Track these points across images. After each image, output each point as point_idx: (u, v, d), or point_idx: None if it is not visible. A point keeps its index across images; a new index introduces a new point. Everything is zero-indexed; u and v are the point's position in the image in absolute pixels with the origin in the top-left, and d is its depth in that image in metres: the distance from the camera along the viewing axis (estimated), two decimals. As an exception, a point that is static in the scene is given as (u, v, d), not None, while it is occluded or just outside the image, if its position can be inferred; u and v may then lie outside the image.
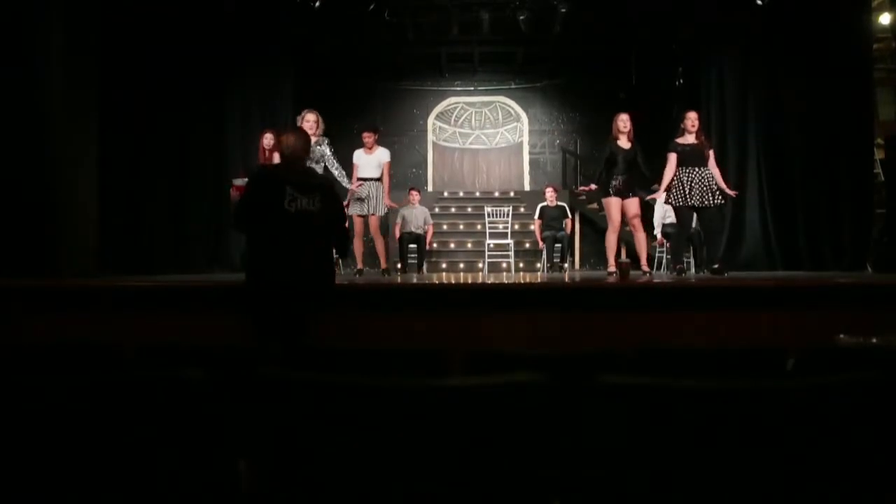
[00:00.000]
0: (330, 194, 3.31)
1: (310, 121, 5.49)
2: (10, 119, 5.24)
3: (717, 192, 5.56)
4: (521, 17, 8.74)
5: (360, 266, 6.30)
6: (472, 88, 11.72)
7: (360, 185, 6.05)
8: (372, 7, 8.38)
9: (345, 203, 6.39)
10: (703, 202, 5.52)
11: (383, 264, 6.43)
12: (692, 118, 5.69)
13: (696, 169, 5.55)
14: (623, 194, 5.72)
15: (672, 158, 5.62)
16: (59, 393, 1.24)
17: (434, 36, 9.67)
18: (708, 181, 5.54)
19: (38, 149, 5.30)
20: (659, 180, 5.83)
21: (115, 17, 6.29)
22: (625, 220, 5.87)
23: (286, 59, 9.07)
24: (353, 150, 6.34)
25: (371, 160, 6.18)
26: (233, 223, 3.73)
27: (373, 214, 6.13)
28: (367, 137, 6.26)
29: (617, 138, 5.78)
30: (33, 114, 5.31)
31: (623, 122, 5.77)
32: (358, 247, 6.27)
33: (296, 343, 3.10)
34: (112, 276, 5.82)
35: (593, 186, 6.05)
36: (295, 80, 9.11)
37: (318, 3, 7.94)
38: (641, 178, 5.86)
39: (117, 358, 2.01)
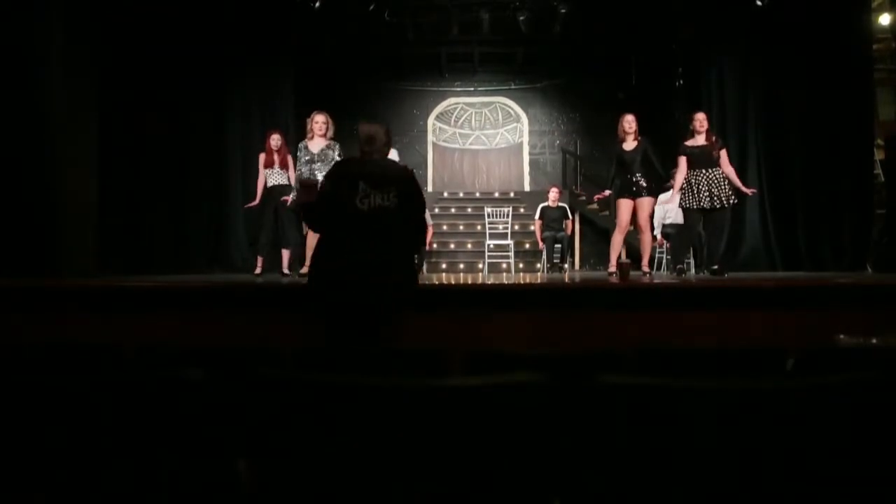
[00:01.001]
0: (409, 186, 3.02)
1: (318, 122, 5.42)
2: (10, 119, 5.24)
3: (731, 193, 5.51)
4: (521, 18, 8.75)
5: None
6: (472, 89, 11.72)
7: None
8: (372, 7, 8.39)
9: None
10: (713, 204, 5.47)
11: None
12: (700, 119, 5.65)
13: (706, 171, 5.50)
14: (636, 194, 5.68)
15: (682, 162, 5.59)
16: (59, 393, 1.24)
17: (434, 36, 9.68)
18: (718, 182, 5.49)
19: (38, 149, 5.30)
20: (672, 179, 5.82)
21: (115, 18, 6.30)
22: (631, 221, 5.84)
23: (286, 59, 9.07)
24: (351, 150, 6.29)
25: None
26: (309, 222, 3.53)
27: None
28: None
29: (623, 140, 5.76)
30: (33, 114, 5.32)
31: (628, 122, 5.74)
32: None
33: (369, 347, 2.85)
34: (112, 276, 5.83)
35: (607, 193, 6.00)
36: (295, 80, 9.12)
37: (318, 3, 7.95)
38: (656, 177, 5.81)
39: (117, 358, 2.01)
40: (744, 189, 5.67)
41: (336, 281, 2.91)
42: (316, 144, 5.44)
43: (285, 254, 5.96)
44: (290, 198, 5.85)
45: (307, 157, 5.41)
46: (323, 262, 2.98)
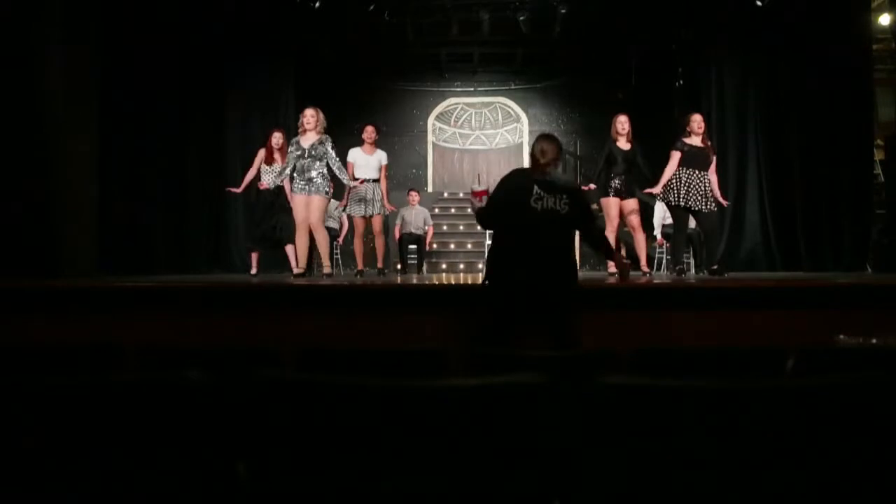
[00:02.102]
0: (578, 196, 3.23)
1: (307, 115, 5.44)
2: (10, 119, 5.24)
3: (712, 199, 5.51)
4: (521, 18, 8.75)
5: (360, 267, 6.30)
6: (471, 89, 11.72)
7: (360, 182, 6.02)
8: (372, 7, 8.39)
9: (343, 204, 6.42)
10: (697, 206, 5.47)
11: (380, 263, 6.43)
12: (698, 120, 5.65)
13: (697, 172, 5.50)
14: (621, 194, 5.71)
15: (675, 157, 5.58)
16: (59, 394, 1.24)
17: (434, 36, 9.67)
18: (704, 186, 5.50)
19: (38, 149, 5.30)
20: (658, 181, 5.82)
21: (115, 17, 6.30)
22: (623, 221, 5.86)
23: (286, 59, 9.07)
24: (350, 150, 6.29)
25: (371, 161, 6.16)
26: (479, 222, 3.72)
27: (378, 214, 6.14)
28: (371, 132, 6.24)
29: (616, 140, 5.77)
30: (33, 114, 5.32)
31: (622, 123, 5.75)
32: (358, 247, 6.27)
33: (558, 346, 3.02)
34: (112, 276, 5.83)
35: (592, 186, 6.02)
36: (295, 80, 9.12)
37: (318, 3, 7.95)
38: (642, 179, 5.83)
39: (117, 359, 2.01)
40: (721, 199, 5.68)
41: (513, 277, 3.11)
42: (307, 139, 5.44)
43: (290, 251, 5.96)
44: (265, 184, 6.05)
45: (298, 153, 5.41)
46: (500, 260, 3.21)
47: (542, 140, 3.29)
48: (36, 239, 5.19)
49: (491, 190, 5.87)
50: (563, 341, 3.09)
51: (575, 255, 3.38)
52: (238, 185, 6.46)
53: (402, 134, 11.41)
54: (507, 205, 3.19)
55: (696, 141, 5.61)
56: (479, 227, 3.94)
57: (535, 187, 3.12)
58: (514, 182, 3.25)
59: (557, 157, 3.26)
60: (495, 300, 3.22)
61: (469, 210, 8.67)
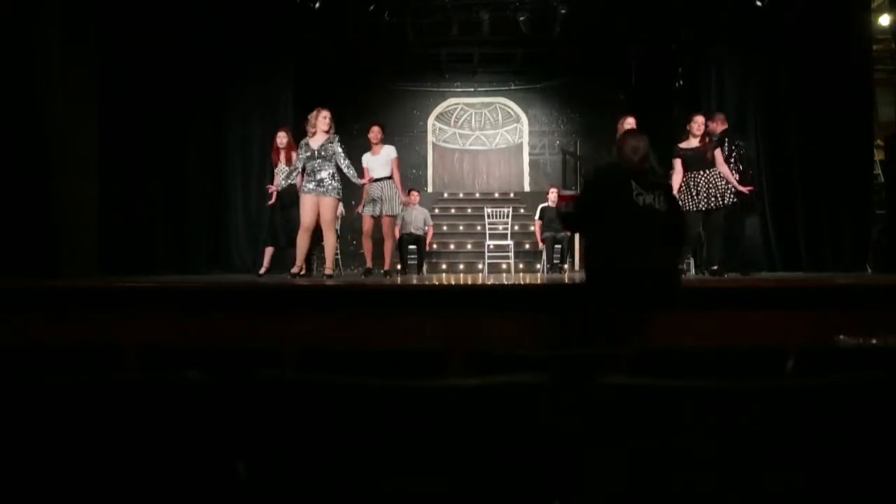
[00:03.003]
0: (669, 192, 3.18)
1: (327, 116, 5.48)
2: (10, 119, 5.24)
3: (729, 193, 5.51)
4: (521, 18, 8.75)
5: (369, 265, 6.31)
6: (471, 89, 11.72)
7: (373, 182, 6.02)
8: (372, 7, 8.39)
9: (358, 204, 6.44)
10: (710, 205, 5.49)
11: (387, 265, 6.43)
12: (698, 122, 5.66)
13: (702, 172, 5.53)
14: None
15: (678, 164, 5.60)
16: (59, 394, 1.24)
17: (434, 36, 9.67)
18: (716, 183, 5.51)
19: (38, 149, 5.30)
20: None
21: (115, 17, 6.30)
22: None
23: (286, 59, 9.07)
24: (352, 150, 6.30)
25: (379, 160, 6.17)
26: (568, 223, 3.62)
27: (388, 215, 6.14)
28: (376, 132, 6.24)
29: None
30: (33, 114, 5.32)
31: (629, 125, 5.76)
32: (367, 246, 6.27)
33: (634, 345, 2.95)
34: (112, 276, 5.82)
35: None
36: (295, 80, 9.11)
37: (318, 4, 7.95)
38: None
39: (117, 359, 2.01)
40: (740, 188, 5.67)
41: (616, 273, 3.06)
42: (316, 140, 5.45)
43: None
44: (273, 188, 6.04)
45: (307, 154, 5.42)
46: (602, 257, 3.14)
47: (630, 138, 3.21)
48: (36, 239, 5.19)
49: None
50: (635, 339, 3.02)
51: (678, 254, 3.29)
52: (256, 195, 6.49)
53: (402, 134, 11.41)
54: (607, 201, 3.08)
55: (693, 142, 5.62)
56: (566, 230, 3.65)
57: (634, 183, 3.04)
58: (611, 178, 3.17)
59: (648, 152, 3.20)
60: (598, 299, 3.14)
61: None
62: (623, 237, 3.03)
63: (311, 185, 5.38)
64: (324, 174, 5.37)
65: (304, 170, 5.51)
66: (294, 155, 5.94)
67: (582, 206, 3.29)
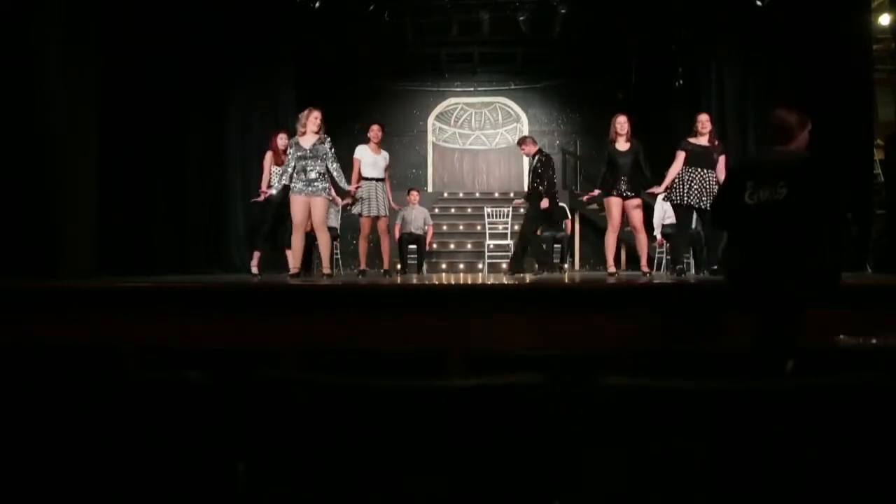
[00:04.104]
0: (805, 175, 2.87)
1: (318, 117, 5.48)
2: (9, 119, 5.24)
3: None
4: (521, 18, 8.75)
5: (363, 266, 6.31)
6: (471, 89, 11.72)
7: (360, 185, 6.04)
8: (372, 7, 8.39)
9: (348, 203, 6.42)
10: (700, 204, 5.50)
11: (386, 265, 6.43)
12: (703, 120, 5.70)
13: (701, 170, 5.55)
14: (625, 195, 5.71)
15: (680, 156, 5.62)
16: (59, 394, 1.24)
17: (434, 36, 9.68)
18: (709, 184, 5.53)
19: (38, 149, 5.30)
20: (660, 181, 5.82)
21: (115, 17, 6.29)
22: (626, 221, 5.86)
23: (286, 59, 9.07)
24: (353, 150, 6.30)
25: (378, 160, 6.18)
26: (713, 221, 3.61)
27: (385, 216, 6.15)
28: (377, 132, 6.24)
29: (615, 140, 5.77)
30: (33, 114, 5.31)
31: (620, 124, 5.76)
32: (363, 247, 6.29)
33: (781, 345, 2.79)
34: (112, 276, 5.82)
35: (596, 192, 6.02)
36: (295, 80, 9.12)
37: (318, 3, 7.95)
38: (643, 179, 5.83)
39: (117, 359, 2.01)
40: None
41: (742, 281, 3.00)
42: (307, 140, 5.45)
43: (289, 253, 5.97)
44: (270, 191, 6.03)
45: (299, 154, 5.41)
46: (734, 258, 3.12)
47: (776, 114, 3.14)
48: (36, 239, 5.19)
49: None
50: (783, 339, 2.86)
51: (824, 244, 2.89)
52: (256, 194, 6.48)
53: (402, 134, 11.41)
54: (730, 202, 2.99)
55: (702, 140, 5.65)
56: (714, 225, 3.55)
57: (749, 181, 2.91)
58: (734, 176, 3.11)
59: (794, 129, 3.07)
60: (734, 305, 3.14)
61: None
62: (740, 243, 3.02)
63: (301, 185, 5.37)
64: (314, 174, 5.37)
65: (293, 169, 5.51)
66: None
67: (718, 204, 3.27)
